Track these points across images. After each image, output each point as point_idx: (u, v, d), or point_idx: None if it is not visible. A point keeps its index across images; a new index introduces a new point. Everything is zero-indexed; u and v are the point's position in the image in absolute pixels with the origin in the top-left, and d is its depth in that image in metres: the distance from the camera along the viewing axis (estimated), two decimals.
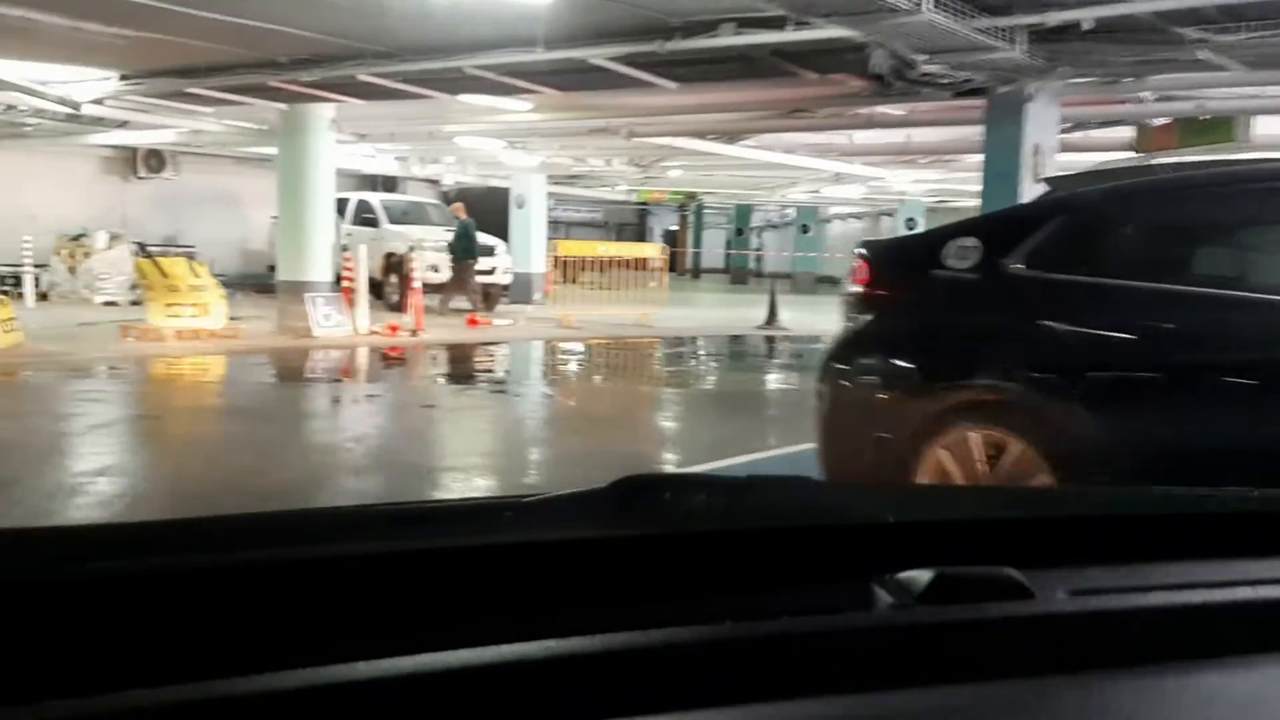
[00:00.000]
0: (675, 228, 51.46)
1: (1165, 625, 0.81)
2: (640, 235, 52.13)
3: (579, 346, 13.52)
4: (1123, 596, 0.86)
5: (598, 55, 8.09)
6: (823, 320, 18.37)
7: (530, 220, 21.11)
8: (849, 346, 4.10)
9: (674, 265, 47.69)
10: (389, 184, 21.87)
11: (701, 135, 13.18)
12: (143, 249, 12.25)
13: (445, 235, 17.42)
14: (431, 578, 0.81)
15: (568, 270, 15.46)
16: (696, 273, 43.37)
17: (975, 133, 14.18)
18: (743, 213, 38.96)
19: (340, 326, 12.88)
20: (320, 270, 13.00)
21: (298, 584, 0.77)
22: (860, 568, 0.85)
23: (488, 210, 20.44)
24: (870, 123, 10.98)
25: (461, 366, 11.66)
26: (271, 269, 20.25)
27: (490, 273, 17.60)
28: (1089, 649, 0.77)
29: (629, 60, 8.16)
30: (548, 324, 15.39)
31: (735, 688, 0.68)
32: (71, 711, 0.61)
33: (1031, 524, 1.05)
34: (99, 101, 11.62)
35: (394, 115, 13.86)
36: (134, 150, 19.27)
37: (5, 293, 16.98)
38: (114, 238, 17.36)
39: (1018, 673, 0.72)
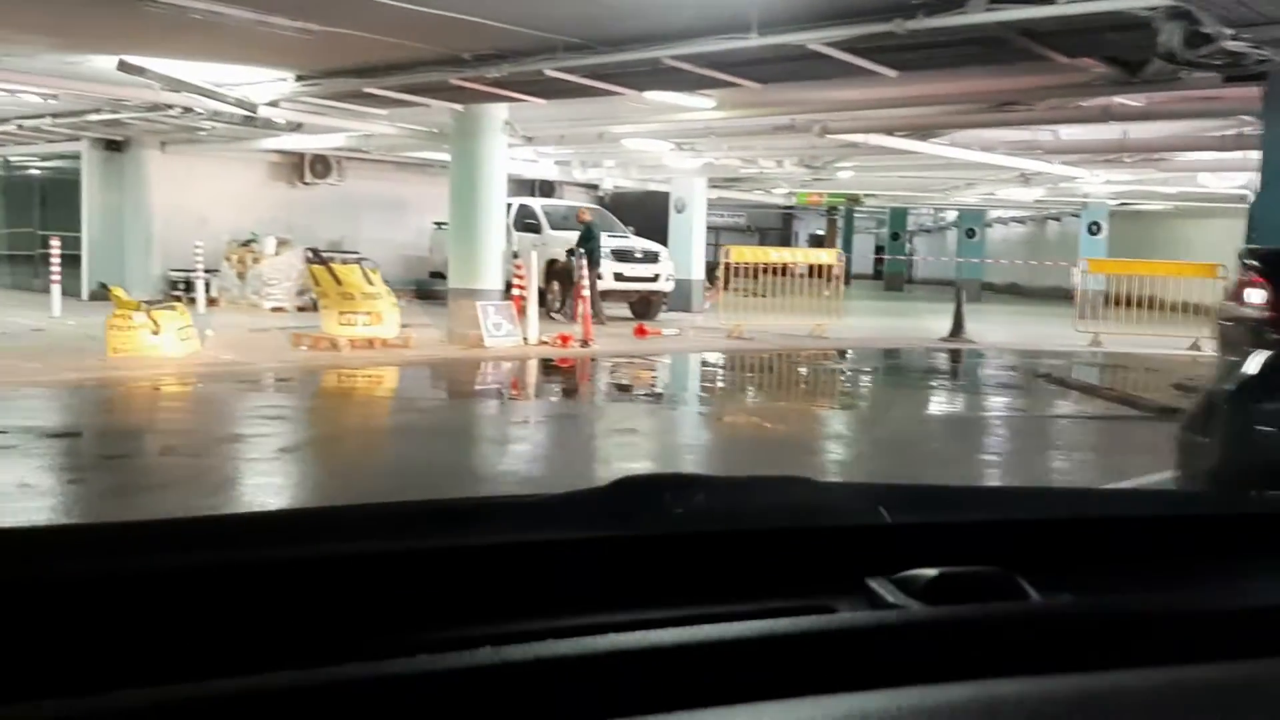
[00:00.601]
0: (821, 232, 50.22)
1: (1165, 626, 0.81)
2: (785, 240, 51.03)
3: (758, 360, 12.70)
4: (1123, 597, 0.86)
5: (820, 40, 7.22)
6: (1015, 332, 17.27)
7: (691, 225, 20.39)
8: (1261, 383, 3.10)
9: (820, 271, 46.83)
10: (545, 189, 21.45)
11: (890, 131, 12.15)
12: (316, 255, 11.92)
13: (610, 241, 16.85)
14: (430, 578, 0.82)
15: (735, 276, 14.61)
16: (845, 278, 41.91)
17: (1195, 128, 12.80)
18: (898, 216, 37.49)
19: (511, 336, 12.36)
20: (492, 278, 12.49)
21: (297, 583, 0.78)
22: (859, 568, 0.86)
23: (644, 215, 19.82)
24: (1106, 115, 9.79)
25: (643, 382, 10.97)
26: (433, 275, 20.15)
27: (653, 280, 16.94)
28: (1089, 649, 0.76)
29: (854, 45, 7.27)
30: (716, 335, 14.60)
31: (734, 687, 0.67)
32: (64, 712, 0.61)
33: (1031, 525, 1.05)
34: (274, 104, 11.34)
35: (565, 117, 13.29)
36: (301, 155, 19.30)
37: (177, 297, 17.20)
38: (282, 243, 17.35)
39: (1017, 673, 0.70)
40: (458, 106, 11.46)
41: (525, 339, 12.49)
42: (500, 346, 12.15)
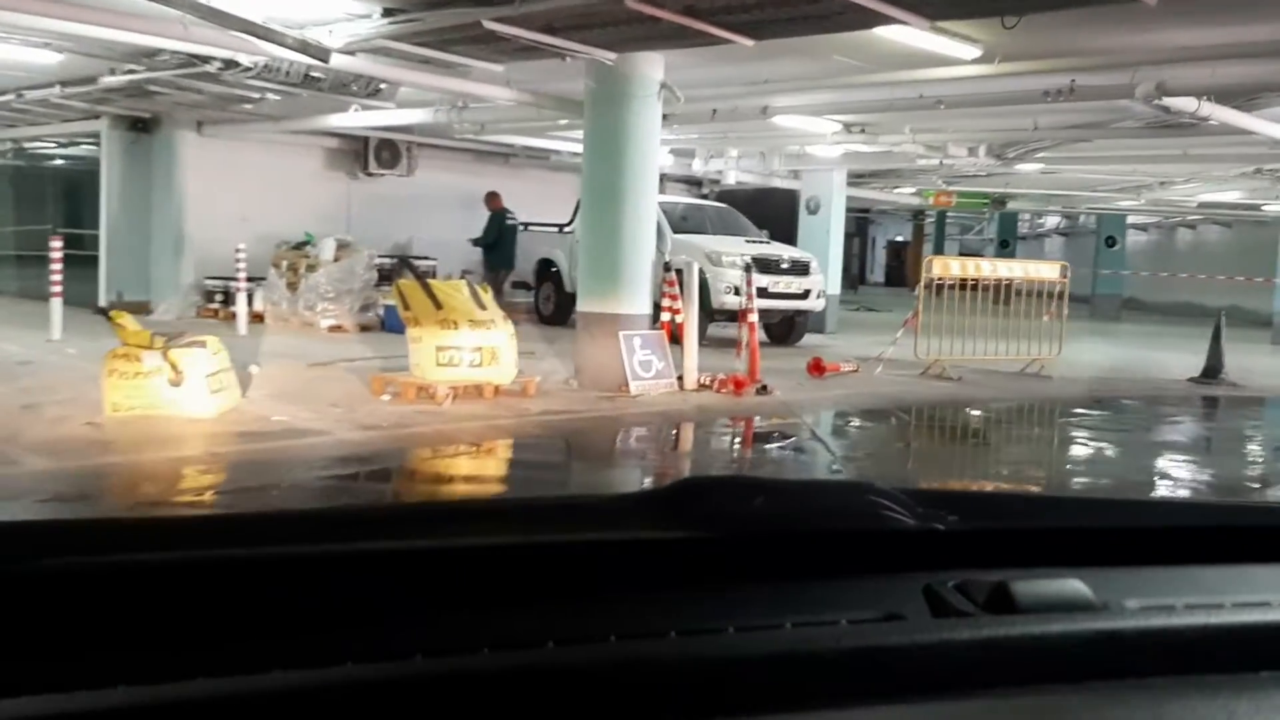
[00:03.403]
0: (902, 239, 46.46)
1: (1235, 639, 0.79)
2: (862, 246, 47.43)
3: (998, 410, 9.26)
4: (1190, 609, 0.83)
5: None
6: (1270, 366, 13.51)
7: (829, 229, 16.93)
8: None
9: (905, 282, 42.91)
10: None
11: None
12: (405, 264, 8.62)
13: (747, 247, 13.46)
14: (489, 574, 0.82)
15: (935, 295, 11.13)
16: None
17: None
18: (1006, 221, 33.78)
19: (662, 378, 8.98)
20: (639, 299, 9.12)
21: (344, 579, 0.79)
22: (922, 573, 0.85)
23: (765, 215, 16.31)
24: None
25: (913, 451, 7.52)
26: (516, 285, 16.84)
27: (802, 296, 13.50)
28: (1156, 661, 0.75)
29: None
30: (908, 371, 11.15)
31: (792, 692, 0.67)
32: (54, 707, 0.60)
33: (1098, 533, 1.03)
34: (350, 51, 8.01)
35: (729, 80, 9.90)
36: (365, 141, 16.06)
37: (215, 312, 14.00)
38: (342, 246, 14.06)
39: (1081, 682, 0.70)
40: (609, 56, 8.07)
41: (680, 381, 9.12)
42: (652, 394, 8.77)
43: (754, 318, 10.10)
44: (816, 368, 10.62)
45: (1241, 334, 19.47)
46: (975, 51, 7.76)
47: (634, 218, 8.96)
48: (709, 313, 12.89)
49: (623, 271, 8.98)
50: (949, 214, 38.22)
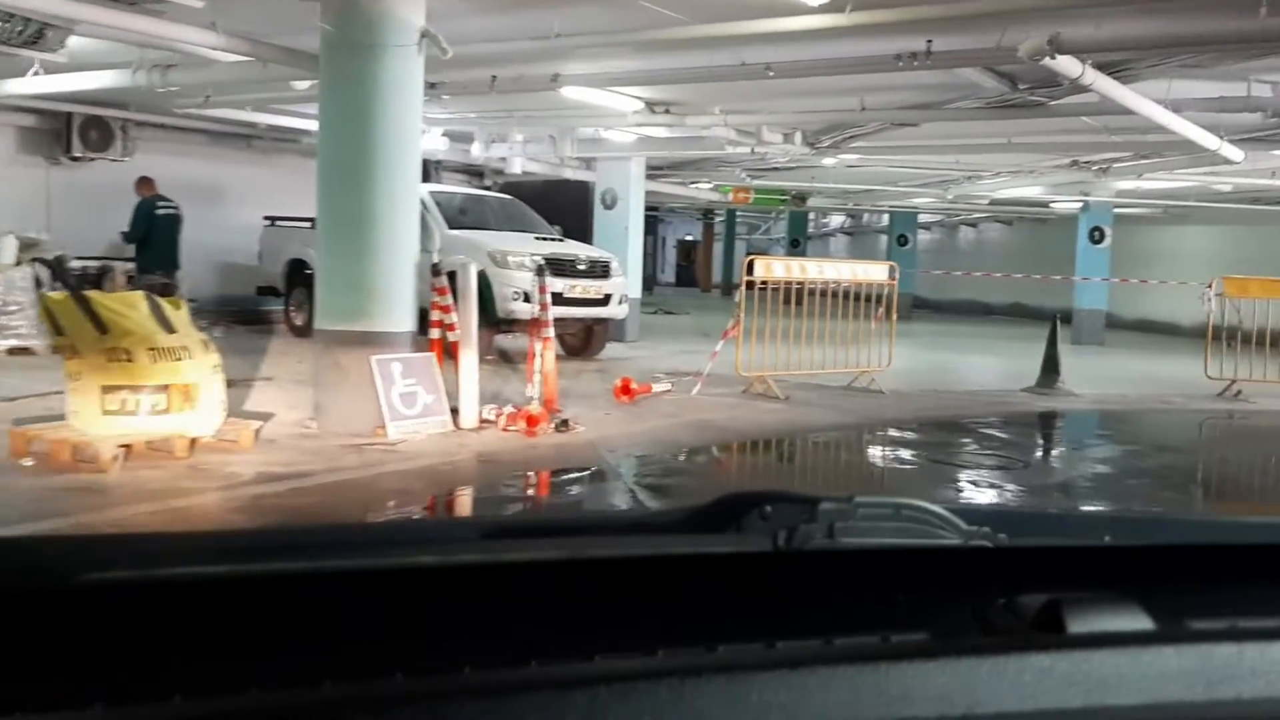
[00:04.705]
0: (691, 237, 45.66)
1: None
2: (651, 247, 46.42)
3: (846, 442, 7.73)
4: (1248, 626, 0.79)
5: None
6: (1098, 373, 12.66)
7: (626, 226, 15.19)
8: None
9: (695, 281, 41.99)
10: (425, 173, 15.79)
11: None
12: (59, 268, 6.26)
13: (538, 245, 11.54)
14: (529, 592, 0.82)
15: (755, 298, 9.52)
16: (726, 289, 37.20)
17: None
18: (797, 220, 33.26)
19: (432, 415, 6.93)
20: (398, 313, 6.99)
21: (396, 594, 0.79)
22: (969, 591, 0.84)
23: (557, 210, 14.40)
24: None
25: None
26: (262, 290, 14.30)
27: (603, 302, 11.69)
28: (1210, 679, 0.72)
29: None
30: (729, 389, 9.52)
31: (837, 711, 0.66)
32: None
33: (1150, 551, 1.01)
34: None
35: (511, 32, 7.96)
36: (66, 118, 13.10)
37: None
38: (29, 246, 11.16)
39: (1133, 705, 0.69)
40: None
41: (455, 418, 7.10)
42: (418, 438, 6.70)
43: (549, 332, 8.17)
44: (625, 390, 8.79)
45: (1033, 333, 19.15)
46: None
47: (388, 206, 6.82)
48: (493, 323, 10.89)
49: (374, 276, 6.83)
50: (738, 212, 37.59)
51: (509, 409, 7.32)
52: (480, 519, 1.04)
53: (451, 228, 11.90)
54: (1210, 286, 10.99)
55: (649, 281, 39.50)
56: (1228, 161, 10.07)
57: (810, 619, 0.79)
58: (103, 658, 0.67)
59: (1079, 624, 0.76)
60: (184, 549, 0.86)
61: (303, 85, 8.79)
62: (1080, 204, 18.53)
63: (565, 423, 7.22)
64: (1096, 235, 18.56)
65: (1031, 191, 17.70)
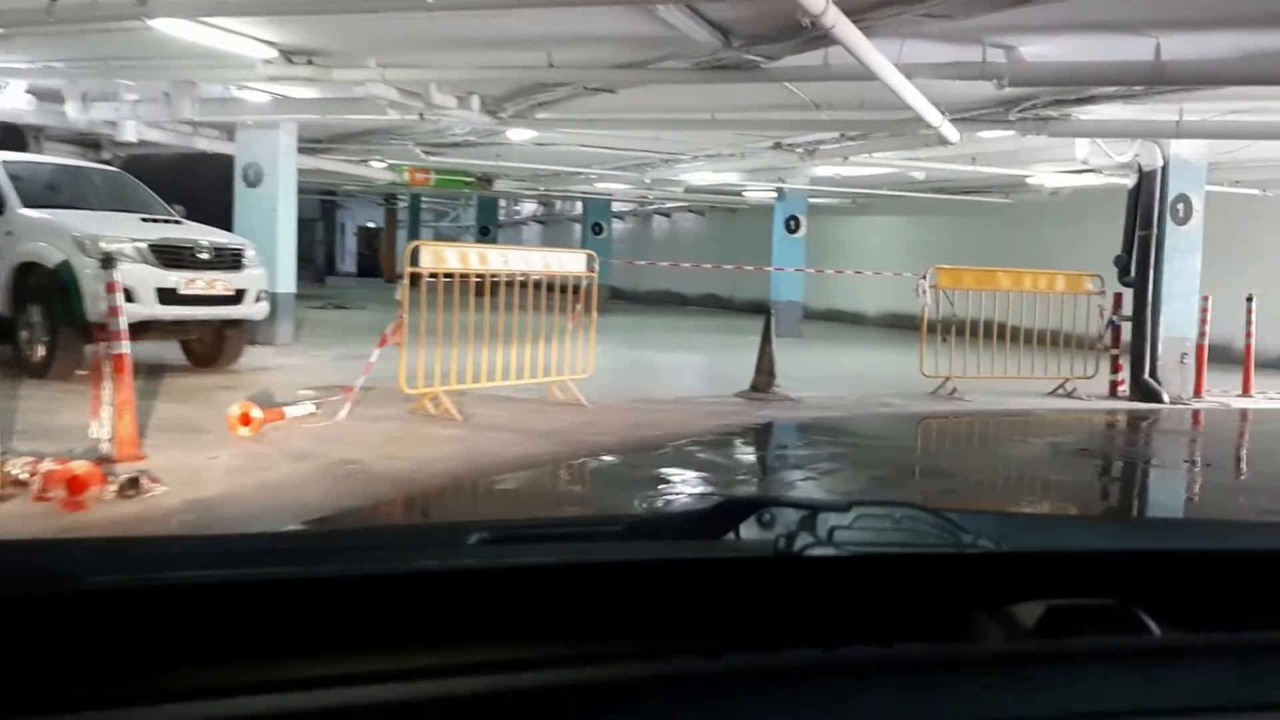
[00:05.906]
0: (374, 225, 42.66)
1: None
2: (329, 233, 43.04)
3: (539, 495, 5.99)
4: (1255, 634, 0.79)
5: None
6: (807, 368, 11.37)
7: (275, 208, 12.68)
8: None
9: (379, 272, 39.08)
10: (12, 141, 12.47)
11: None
12: None
13: (143, 229, 9.01)
14: (525, 596, 0.81)
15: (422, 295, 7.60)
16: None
17: None
18: (487, 207, 31.48)
19: None
20: None
21: (393, 599, 0.77)
22: (968, 597, 0.83)
23: (194, 189, 11.74)
24: None
25: None
26: None
27: (233, 299, 9.31)
28: (1214, 686, 0.71)
29: None
30: (392, 408, 7.54)
31: (842, 715, 0.65)
32: None
33: (1149, 556, 0.99)
34: None
35: None
36: None
37: None
38: None
39: (1134, 709, 0.67)
40: None
41: None
42: None
43: (124, 347, 5.82)
44: (245, 420, 6.57)
45: (729, 325, 18.47)
46: None
47: None
48: (82, 331, 8.32)
49: None
50: (424, 199, 35.25)
51: (50, 466, 4.97)
52: (479, 522, 1.05)
53: (29, 205, 9.12)
54: (925, 278, 10.20)
55: (325, 272, 36.33)
56: (944, 142, 9.23)
57: (809, 626, 0.78)
58: (101, 662, 0.67)
59: (1078, 632, 0.75)
60: (184, 551, 0.89)
61: None
62: (775, 193, 17.90)
63: (135, 481, 4.95)
64: (792, 224, 18.02)
65: (729, 178, 16.79)
